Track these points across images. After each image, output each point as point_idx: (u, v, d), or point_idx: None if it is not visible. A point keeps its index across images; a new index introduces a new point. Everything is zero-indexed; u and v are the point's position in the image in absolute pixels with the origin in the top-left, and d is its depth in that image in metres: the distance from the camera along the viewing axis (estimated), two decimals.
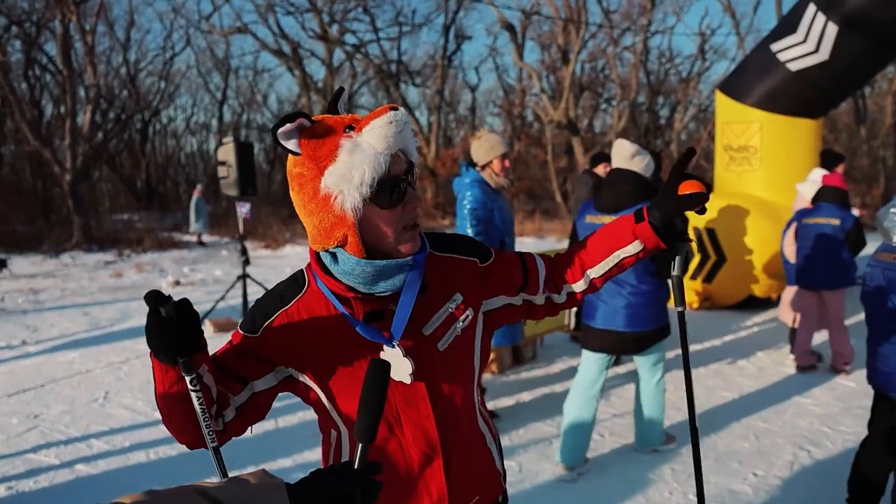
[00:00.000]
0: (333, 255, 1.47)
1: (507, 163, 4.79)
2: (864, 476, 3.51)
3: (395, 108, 1.37)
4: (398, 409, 1.53)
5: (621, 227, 1.64)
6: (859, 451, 3.56)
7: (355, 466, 1.23)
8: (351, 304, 1.48)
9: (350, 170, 1.34)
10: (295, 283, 1.58)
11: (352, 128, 1.38)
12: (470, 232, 5.24)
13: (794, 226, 6.08)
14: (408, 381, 1.50)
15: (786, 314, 6.49)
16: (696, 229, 8.12)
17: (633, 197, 4.00)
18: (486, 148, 4.69)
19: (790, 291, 6.34)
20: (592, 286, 1.72)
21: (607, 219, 4.02)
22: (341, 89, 1.52)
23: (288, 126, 1.37)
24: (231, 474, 4.19)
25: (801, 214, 6.05)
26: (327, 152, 1.36)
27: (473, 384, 1.66)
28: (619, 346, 4.23)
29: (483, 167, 4.75)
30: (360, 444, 1.25)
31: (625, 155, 4.13)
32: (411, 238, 1.44)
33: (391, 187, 1.38)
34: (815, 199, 5.99)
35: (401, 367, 1.48)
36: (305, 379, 1.55)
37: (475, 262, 1.64)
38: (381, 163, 1.35)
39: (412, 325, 1.51)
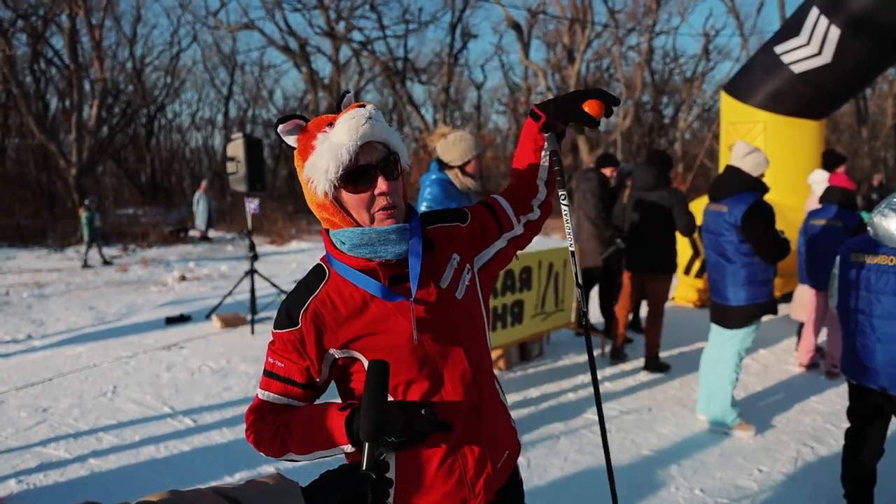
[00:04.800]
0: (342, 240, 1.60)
1: (476, 163, 4.49)
2: (853, 466, 3.59)
3: (363, 105, 1.51)
4: (436, 360, 1.62)
5: (527, 149, 1.83)
6: (845, 443, 3.64)
7: (364, 466, 1.28)
8: (377, 272, 1.59)
9: (319, 160, 1.50)
10: (316, 274, 1.66)
11: (332, 124, 1.52)
12: None
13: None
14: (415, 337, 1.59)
15: (797, 311, 6.48)
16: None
17: (734, 191, 4.54)
18: (462, 148, 4.37)
19: (801, 289, 6.33)
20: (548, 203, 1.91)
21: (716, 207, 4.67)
22: (346, 92, 1.62)
23: (282, 126, 1.56)
24: (242, 471, 4.21)
25: (810, 215, 6.06)
26: (308, 147, 1.53)
27: (487, 341, 1.78)
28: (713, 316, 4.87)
29: (452, 168, 4.41)
30: (367, 444, 1.29)
31: (738, 154, 4.59)
32: (386, 217, 1.54)
33: (356, 175, 1.50)
34: (821, 200, 6.00)
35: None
36: (354, 353, 1.63)
37: (458, 225, 1.78)
38: (344, 153, 1.47)
39: (430, 280, 1.64)
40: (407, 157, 1.61)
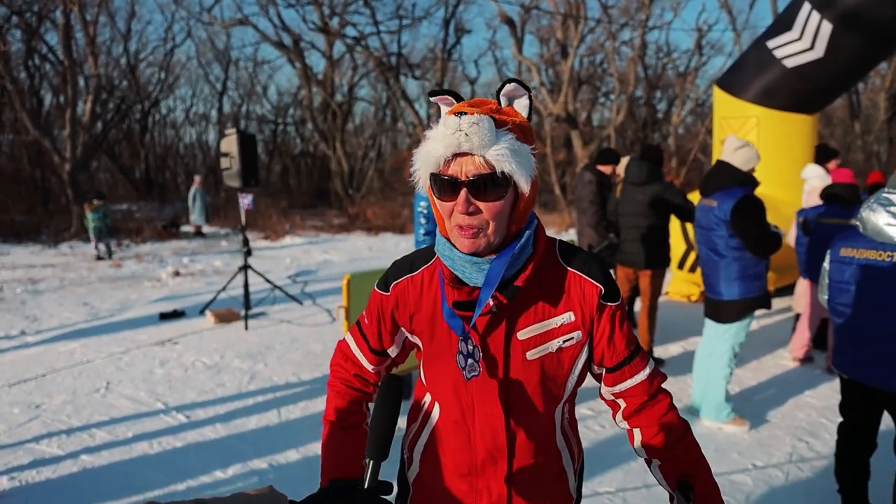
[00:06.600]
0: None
1: None
2: (847, 460, 3.59)
3: (462, 113, 1.35)
4: (473, 399, 1.55)
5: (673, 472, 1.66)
6: (838, 437, 3.64)
7: (365, 485, 1.20)
8: (446, 287, 1.52)
9: (419, 153, 1.43)
10: (427, 253, 1.65)
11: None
12: (420, 231, 5.06)
13: (799, 219, 6.03)
14: (466, 376, 1.53)
15: (799, 303, 6.43)
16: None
17: (723, 186, 4.55)
18: None
19: (803, 281, 6.27)
20: (640, 444, 1.71)
21: (708, 201, 4.64)
22: (508, 80, 1.46)
23: (435, 98, 1.50)
24: (235, 467, 4.19)
25: (812, 212, 5.93)
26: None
27: (560, 402, 1.62)
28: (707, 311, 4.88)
29: None
30: (371, 462, 1.22)
31: (728, 149, 4.59)
32: (462, 236, 1.41)
33: (439, 184, 1.40)
34: (825, 197, 5.82)
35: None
36: (416, 339, 1.64)
37: (599, 289, 1.55)
38: (432, 159, 1.39)
39: (509, 326, 1.52)
40: (527, 180, 1.39)
